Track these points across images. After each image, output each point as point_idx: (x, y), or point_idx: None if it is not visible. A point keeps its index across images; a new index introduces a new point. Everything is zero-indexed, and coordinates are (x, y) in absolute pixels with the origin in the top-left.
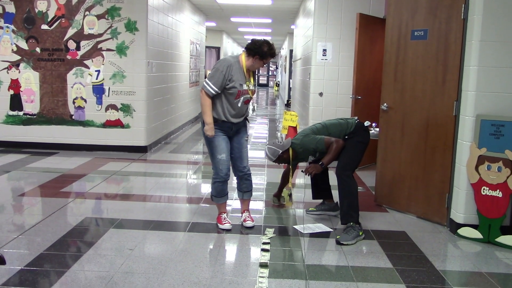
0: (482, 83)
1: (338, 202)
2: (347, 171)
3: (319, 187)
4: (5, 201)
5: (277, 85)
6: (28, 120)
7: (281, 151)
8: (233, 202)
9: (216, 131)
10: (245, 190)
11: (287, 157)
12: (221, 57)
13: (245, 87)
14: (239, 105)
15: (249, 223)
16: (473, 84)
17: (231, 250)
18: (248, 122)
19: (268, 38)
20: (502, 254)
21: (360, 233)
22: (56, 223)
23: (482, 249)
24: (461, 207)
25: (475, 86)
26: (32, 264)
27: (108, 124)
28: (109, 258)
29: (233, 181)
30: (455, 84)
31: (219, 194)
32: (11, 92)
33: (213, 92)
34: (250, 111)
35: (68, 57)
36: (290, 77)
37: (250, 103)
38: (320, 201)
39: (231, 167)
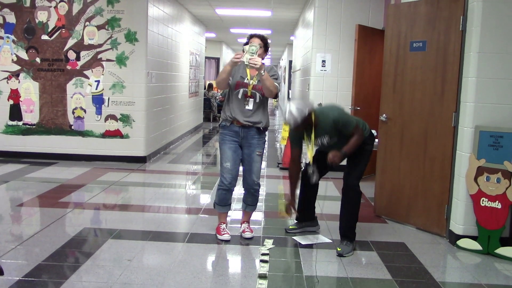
0: (480, 94)
1: (342, 215)
2: (358, 183)
3: (309, 209)
4: (3, 211)
5: (276, 95)
6: (28, 130)
7: (307, 112)
8: (233, 213)
9: (225, 138)
10: (249, 204)
11: (309, 123)
12: (221, 68)
13: (245, 80)
14: (239, 96)
15: (248, 234)
16: (472, 95)
17: (230, 261)
18: (264, 130)
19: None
20: (502, 266)
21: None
22: (55, 234)
23: (482, 260)
24: (461, 218)
25: (473, 97)
26: (30, 274)
27: (107, 134)
28: (107, 269)
29: (237, 193)
30: (453, 95)
31: (222, 202)
32: (11, 102)
33: None
34: (250, 106)
35: (68, 67)
36: (289, 88)
37: (252, 101)
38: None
39: (241, 178)
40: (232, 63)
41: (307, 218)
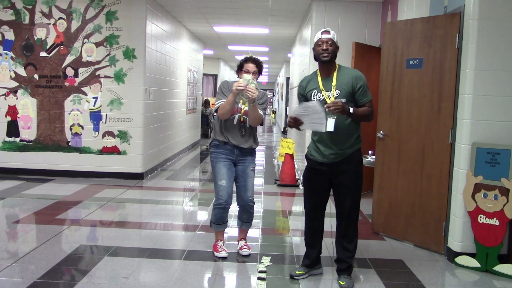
0: (477, 111)
1: (341, 244)
2: (358, 212)
3: (316, 252)
4: None
5: (274, 112)
6: (25, 147)
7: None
8: (230, 230)
9: (218, 157)
10: (245, 220)
11: (335, 53)
12: (218, 84)
13: (239, 105)
14: (234, 122)
15: (245, 251)
16: (468, 112)
17: (227, 279)
18: (256, 145)
19: (265, 66)
20: (500, 283)
21: None
22: (51, 251)
23: (480, 278)
24: (458, 235)
25: (470, 114)
26: None
27: (105, 151)
28: (103, 286)
29: (233, 209)
30: (450, 112)
31: (218, 221)
32: (8, 118)
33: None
34: (243, 131)
35: (66, 84)
36: (286, 105)
37: (243, 126)
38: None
39: (235, 195)
40: (235, 92)
41: (317, 262)
